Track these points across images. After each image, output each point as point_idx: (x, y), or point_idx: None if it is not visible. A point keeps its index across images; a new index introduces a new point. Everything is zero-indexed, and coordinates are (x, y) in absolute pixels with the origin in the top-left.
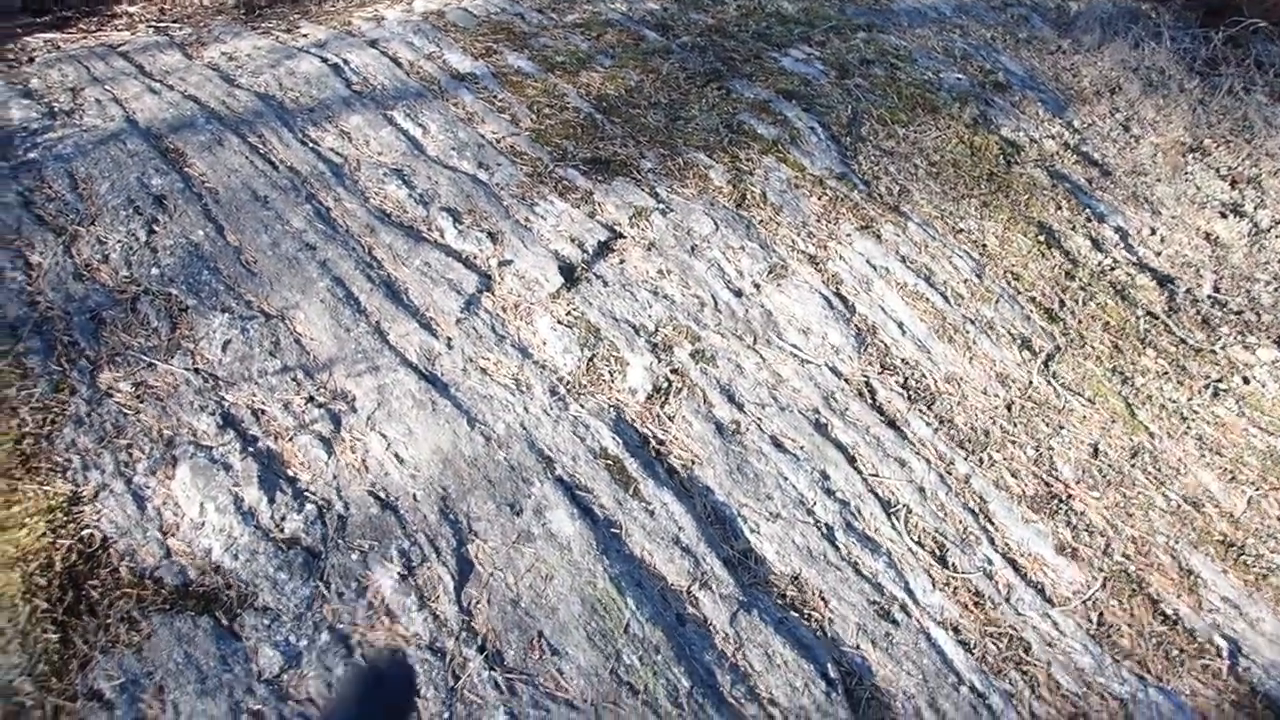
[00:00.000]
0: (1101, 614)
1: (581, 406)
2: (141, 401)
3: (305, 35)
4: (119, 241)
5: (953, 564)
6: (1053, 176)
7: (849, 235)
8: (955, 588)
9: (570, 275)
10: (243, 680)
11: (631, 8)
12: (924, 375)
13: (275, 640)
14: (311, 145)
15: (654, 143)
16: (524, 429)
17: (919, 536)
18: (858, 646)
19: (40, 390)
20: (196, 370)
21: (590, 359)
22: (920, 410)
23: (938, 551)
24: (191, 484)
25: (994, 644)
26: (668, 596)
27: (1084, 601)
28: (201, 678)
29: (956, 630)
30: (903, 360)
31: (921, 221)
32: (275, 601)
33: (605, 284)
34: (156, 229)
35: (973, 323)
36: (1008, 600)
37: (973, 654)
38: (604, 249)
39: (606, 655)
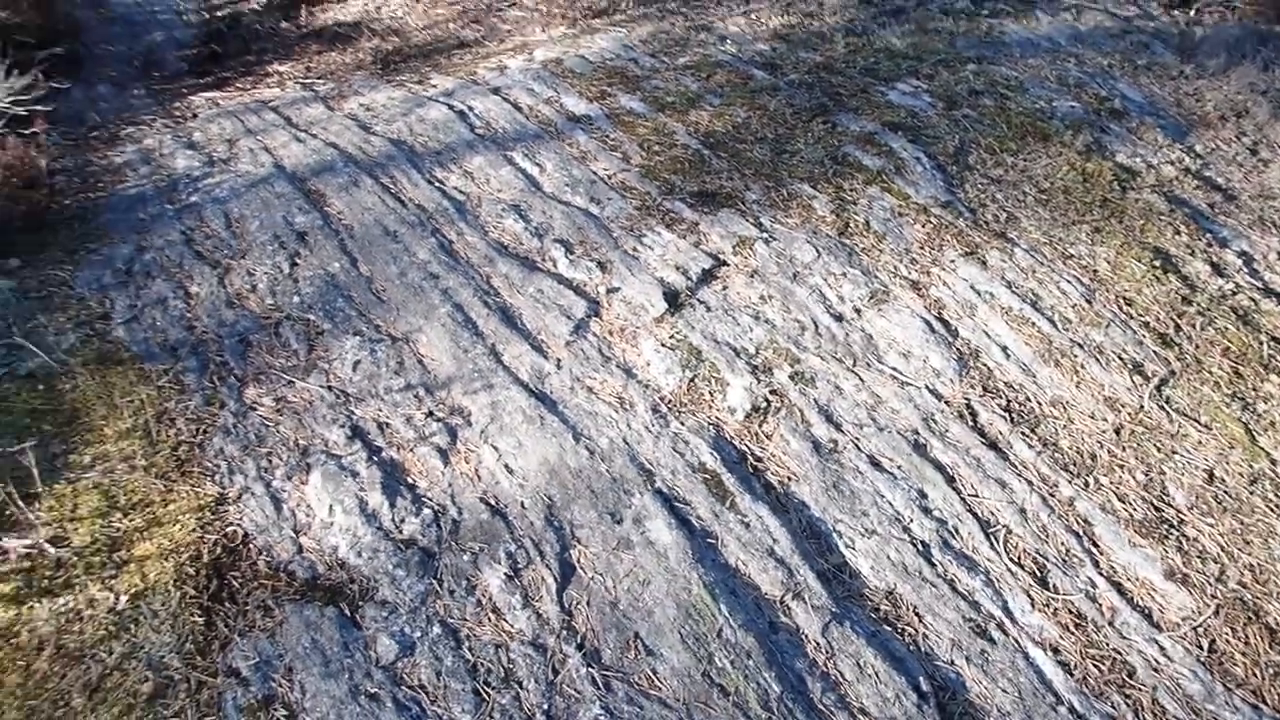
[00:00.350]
0: (1213, 641)
1: (682, 424)
2: (281, 415)
3: (435, 85)
4: (265, 273)
5: (1054, 585)
6: (1171, 202)
7: (953, 261)
8: (1055, 609)
9: (674, 301)
10: (362, 665)
11: (741, 49)
12: (1028, 399)
13: (392, 631)
14: (437, 184)
15: (759, 176)
16: (626, 444)
17: (1018, 557)
18: (952, 662)
19: (195, 404)
20: (329, 387)
21: (691, 379)
22: (1023, 433)
23: (1038, 572)
24: (322, 488)
25: (1096, 666)
26: (761, 605)
27: (1194, 628)
28: (325, 661)
29: (1056, 651)
30: (1006, 384)
31: (1029, 248)
32: (393, 596)
33: (708, 309)
34: (298, 261)
35: (1081, 347)
36: (1111, 624)
37: (1073, 675)
38: (708, 276)
39: (699, 657)
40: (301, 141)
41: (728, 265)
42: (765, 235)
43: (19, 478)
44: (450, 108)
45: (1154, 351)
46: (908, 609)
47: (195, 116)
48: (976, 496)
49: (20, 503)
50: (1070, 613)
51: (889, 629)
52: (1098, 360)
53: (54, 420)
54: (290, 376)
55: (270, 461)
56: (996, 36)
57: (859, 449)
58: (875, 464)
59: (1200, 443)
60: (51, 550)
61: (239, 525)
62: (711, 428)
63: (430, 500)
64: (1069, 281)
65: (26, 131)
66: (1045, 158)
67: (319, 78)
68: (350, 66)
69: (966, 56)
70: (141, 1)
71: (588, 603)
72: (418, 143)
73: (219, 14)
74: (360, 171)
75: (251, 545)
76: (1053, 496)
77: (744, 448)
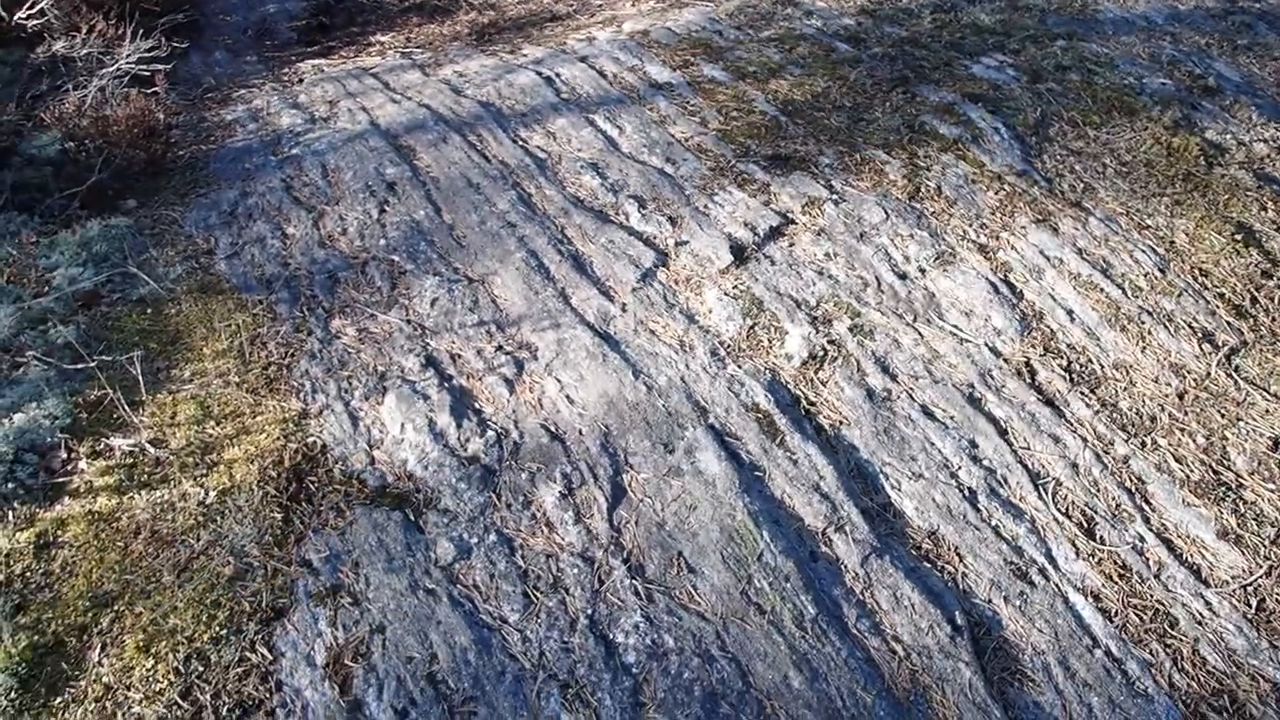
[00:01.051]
0: (1262, 600)
1: (739, 367)
2: (362, 343)
3: (525, 55)
4: (356, 218)
5: (1100, 537)
6: (1260, 179)
7: (1024, 228)
8: (1100, 559)
9: (740, 255)
10: (422, 564)
11: (826, 23)
12: (1090, 360)
13: (451, 536)
14: (520, 143)
15: (834, 142)
16: (683, 382)
17: (1066, 508)
18: (990, 601)
19: (285, 330)
20: (408, 321)
21: (751, 327)
22: (1082, 393)
23: (1085, 524)
24: (396, 408)
25: (1137, 615)
26: (802, 535)
27: (1244, 586)
28: (389, 559)
29: (1097, 598)
30: (1068, 345)
31: (1104, 217)
32: (454, 505)
33: (773, 263)
34: (386, 209)
35: (1150, 314)
36: (1157, 576)
37: (1112, 621)
38: (775, 233)
39: (739, 578)
40: (396, 103)
41: (795, 224)
42: (835, 197)
43: (127, 386)
44: (538, 74)
45: (1226, 322)
46: (949, 549)
47: (301, 81)
48: (1028, 449)
49: (127, 408)
50: (1115, 564)
51: (928, 565)
52: (1166, 327)
53: (159, 340)
54: (373, 310)
55: (350, 383)
56: (1090, 14)
57: (912, 399)
58: (928, 413)
59: (1268, 411)
60: (151, 450)
61: (318, 437)
62: (767, 372)
63: (494, 424)
64: (1143, 251)
65: (149, 90)
66: (1129, 132)
67: (417, 48)
68: (447, 38)
69: (1056, 33)
70: None
71: (635, 522)
72: (505, 105)
73: None
74: (449, 130)
75: (329, 455)
76: (1107, 454)
77: (798, 392)
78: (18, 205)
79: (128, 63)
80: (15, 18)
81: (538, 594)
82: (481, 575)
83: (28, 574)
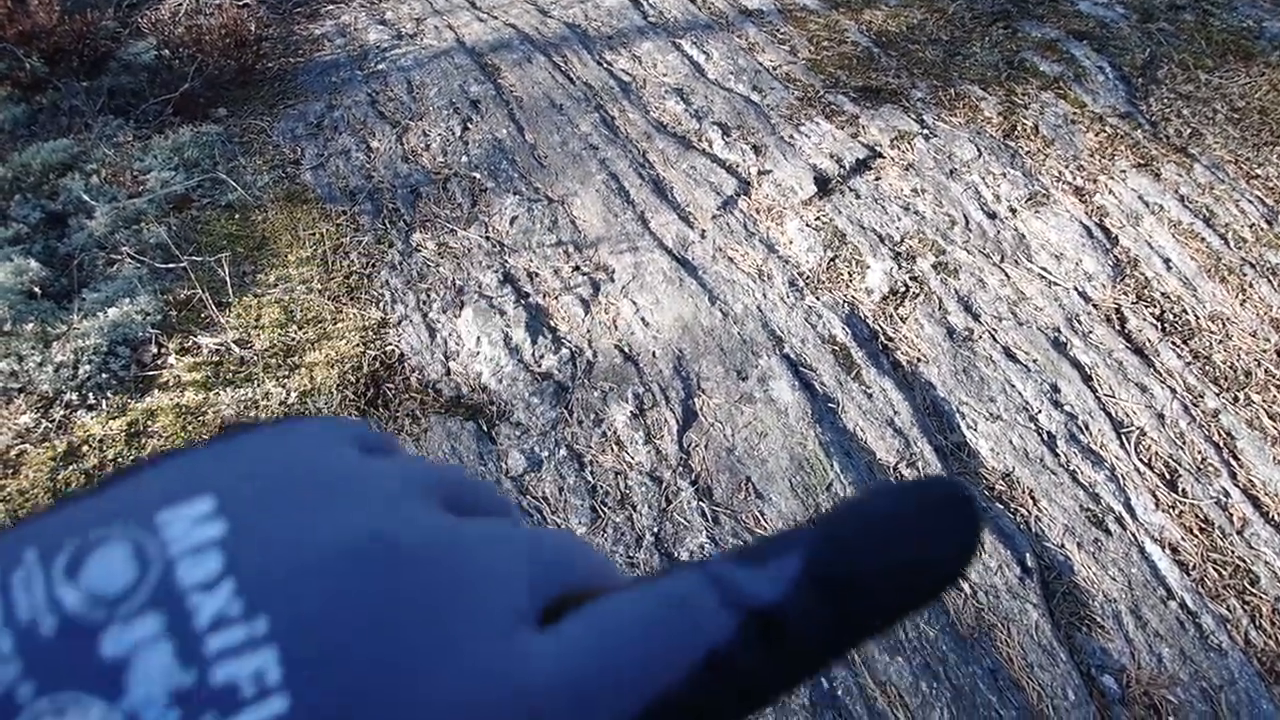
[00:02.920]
0: None
1: (817, 299)
2: (442, 258)
3: None
4: (439, 135)
5: (1183, 489)
6: None
7: (1123, 171)
8: (1181, 511)
9: (824, 186)
10: (493, 474)
11: None
12: (1184, 311)
13: (523, 448)
14: (605, 66)
15: (928, 75)
16: (760, 311)
17: (1149, 459)
18: (1062, 545)
19: (367, 241)
20: (487, 238)
21: (832, 259)
22: (1174, 343)
23: (1167, 475)
24: (473, 322)
25: (1216, 570)
26: (873, 468)
27: None
28: (462, 465)
29: (1175, 551)
30: (1162, 294)
31: (1210, 164)
32: (527, 419)
33: (857, 196)
34: (470, 126)
35: (1253, 266)
36: (1240, 533)
37: (1189, 575)
38: (861, 166)
39: (806, 506)
40: (483, 21)
41: (883, 158)
42: (926, 131)
43: (214, 288)
44: None
45: None
46: (1023, 491)
47: None
48: (1113, 397)
49: (214, 308)
50: (1196, 517)
51: (1000, 506)
52: (1270, 281)
53: (246, 245)
54: (453, 225)
55: (428, 296)
56: None
57: (994, 339)
58: (1010, 355)
59: None
60: (236, 349)
61: (396, 346)
62: (846, 305)
63: (569, 342)
64: (1250, 201)
65: (240, 1)
66: (1244, 76)
67: None
68: None
69: None
70: None
71: (705, 446)
72: (591, 27)
73: None
74: (534, 49)
75: (406, 364)
76: (1196, 406)
77: (876, 326)
78: (114, 109)
79: None
80: None
81: (605, 509)
82: (551, 488)
83: (119, 459)
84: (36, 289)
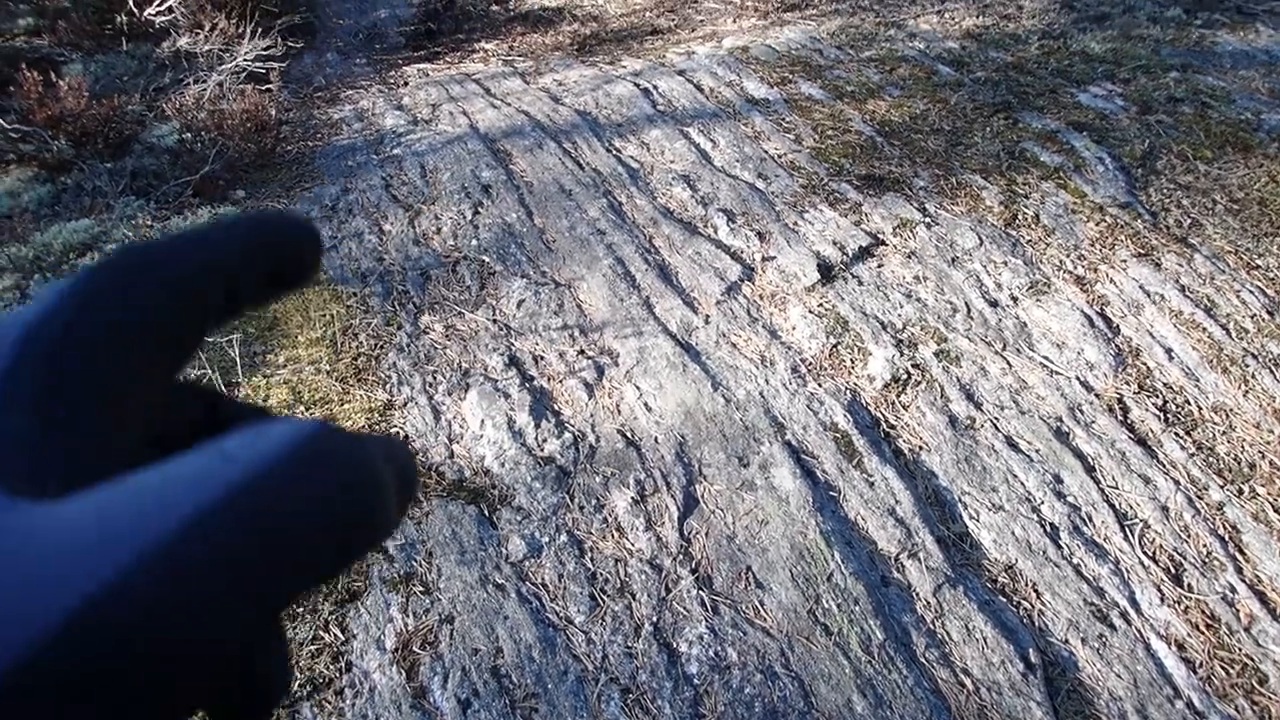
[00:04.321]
0: None
1: (819, 385)
2: (449, 340)
3: (624, 66)
4: (450, 218)
5: (1188, 584)
6: None
7: (1124, 261)
8: (1187, 607)
9: (828, 273)
10: (493, 559)
11: (929, 46)
12: (1187, 401)
13: (523, 534)
14: (614, 152)
15: (930, 164)
16: (762, 397)
17: (1153, 552)
18: (1066, 641)
19: (376, 323)
20: (494, 320)
21: (834, 345)
22: (1177, 434)
23: (1172, 569)
24: (477, 405)
25: (1224, 668)
26: (874, 559)
27: None
28: (462, 551)
29: (1181, 647)
30: (1165, 384)
31: (1211, 255)
32: (528, 504)
33: (860, 283)
34: (480, 210)
35: (1255, 357)
36: (1248, 630)
37: (1196, 673)
38: (864, 253)
39: (807, 596)
40: (496, 108)
41: (886, 245)
42: (928, 220)
43: (225, 368)
44: (636, 85)
45: None
46: (1026, 584)
47: (406, 84)
48: (1116, 489)
49: (223, 388)
50: (1203, 613)
51: (1003, 600)
52: (1272, 372)
53: (257, 325)
54: (461, 308)
55: (434, 378)
56: (1207, 46)
57: (996, 428)
58: (1012, 444)
59: None
60: None
61: (401, 428)
62: (848, 392)
63: (572, 426)
64: (1251, 292)
65: (263, 86)
66: (1243, 168)
67: (519, 56)
68: (549, 47)
69: (1170, 64)
70: None
71: (706, 533)
72: (601, 115)
73: None
74: (545, 136)
75: (410, 446)
76: (1200, 499)
77: (878, 414)
78: (136, 190)
79: (245, 60)
80: (145, 14)
81: (604, 597)
82: (550, 574)
83: None
84: None
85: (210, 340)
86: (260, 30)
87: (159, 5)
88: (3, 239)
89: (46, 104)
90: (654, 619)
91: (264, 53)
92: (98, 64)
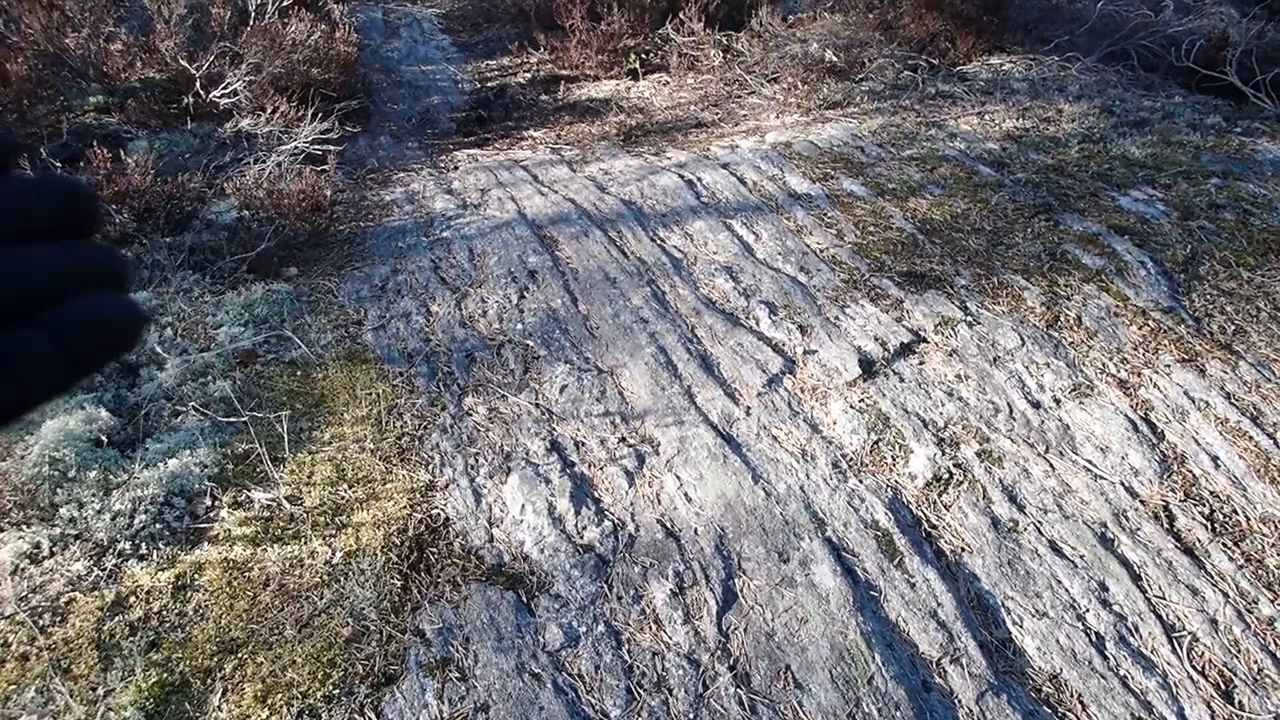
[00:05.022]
0: None
1: (860, 481)
2: (492, 422)
3: (669, 158)
4: (496, 302)
5: (1239, 702)
6: None
7: (1168, 366)
8: None
9: (869, 368)
10: (530, 647)
11: (970, 146)
12: (1235, 511)
13: (561, 622)
14: (659, 241)
15: (971, 263)
16: (803, 491)
17: (1202, 666)
18: None
19: (420, 403)
20: (537, 405)
21: (875, 442)
22: (1224, 544)
23: (1223, 685)
24: (518, 489)
25: None
26: (916, 662)
27: None
28: (499, 638)
29: None
30: (1211, 493)
31: (1256, 362)
32: (566, 592)
33: (901, 380)
34: (526, 295)
35: None
36: None
37: None
38: (905, 350)
39: (847, 700)
40: (544, 195)
41: (927, 342)
42: (969, 319)
43: (272, 443)
44: (680, 176)
45: None
46: (1071, 695)
47: (456, 168)
48: (1163, 599)
49: (269, 463)
50: None
51: (1048, 710)
52: None
53: (305, 401)
54: (504, 391)
55: (477, 460)
56: (1248, 154)
57: (1040, 532)
58: (1056, 549)
59: None
60: (287, 506)
61: (442, 510)
62: (889, 490)
63: (612, 514)
64: None
65: (319, 168)
66: None
67: (567, 144)
68: (596, 137)
69: (1210, 170)
70: (426, 70)
71: (745, 629)
72: (646, 204)
73: (489, 85)
74: (591, 224)
75: (450, 528)
76: (1250, 613)
77: (920, 513)
78: (193, 265)
79: (304, 142)
80: (211, 95)
81: (641, 690)
82: (587, 665)
83: (164, 612)
84: (103, 437)
85: (259, 415)
86: (319, 114)
87: (224, 88)
88: None
89: (114, 180)
90: (691, 716)
91: (321, 135)
92: (162, 141)
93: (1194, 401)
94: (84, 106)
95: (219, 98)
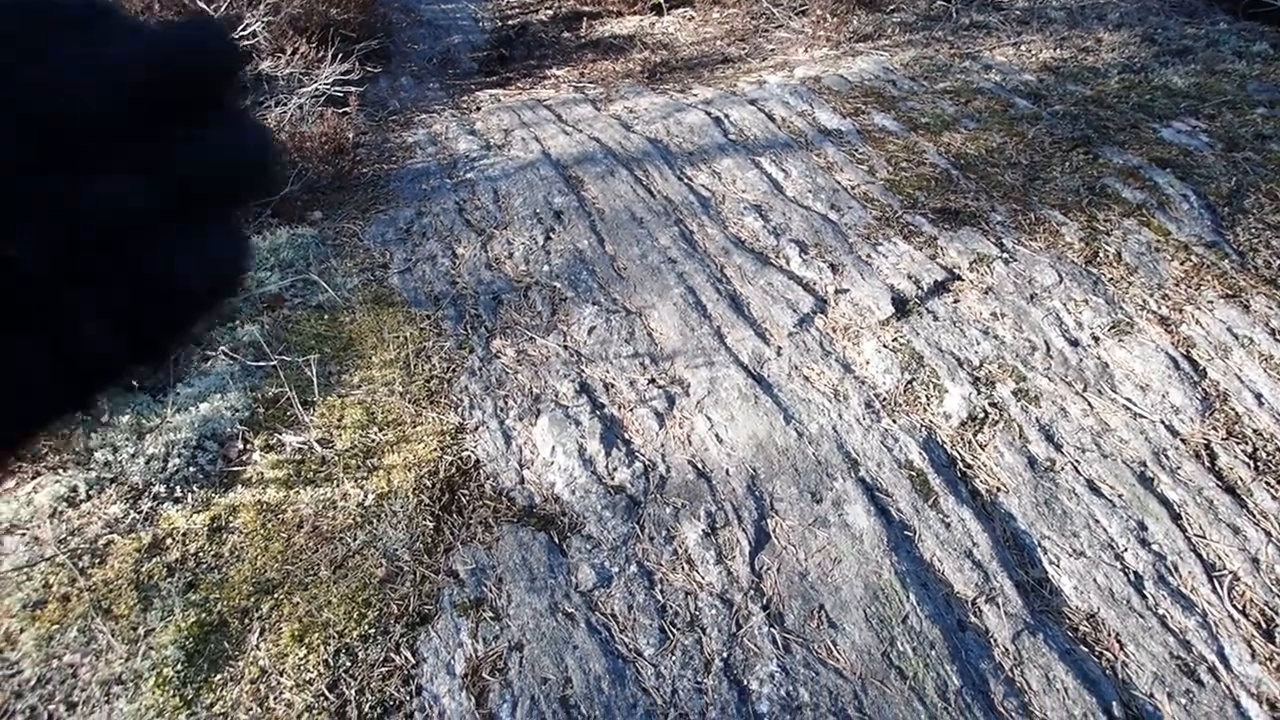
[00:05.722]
0: None
1: (894, 421)
2: (520, 365)
3: (695, 95)
4: (522, 243)
5: None
6: None
7: (1210, 302)
8: (1279, 665)
9: (902, 307)
10: (562, 587)
11: (1005, 78)
12: (1278, 449)
13: (593, 563)
14: (686, 180)
15: (1007, 199)
16: (835, 432)
17: (1243, 605)
18: (1151, 695)
19: (448, 346)
20: (565, 347)
21: (909, 382)
22: (1267, 483)
23: (1263, 625)
24: (548, 431)
25: None
26: (951, 602)
27: None
28: (531, 578)
29: (1273, 707)
30: (1254, 431)
31: None
32: (598, 533)
33: (935, 318)
34: (552, 236)
35: None
36: None
37: None
38: (939, 288)
39: (881, 639)
40: (568, 135)
41: (962, 280)
42: (1005, 255)
43: (301, 386)
44: (707, 114)
45: None
46: (1109, 634)
47: (479, 109)
48: (1203, 538)
49: (300, 407)
50: None
51: (1085, 650)
52: None
53: (333, 345)
54: (532, 333)
55: (506, 403)
56: None
57: (1078, 471)
58: (1094, 489)
59: None
60: (319, 449)
61: (473, 452)
62: (924, 429)
63: (642, 455)
64: None
65: (341, 110)
66: None
67: (591, 83)
68: (620, 74)
69: (1257, 100)
70: (446, 9)
71: (778, 569)
72: (673, 143)
73: (510, 23)
74: (617, 163)
75: (481, 470)
76: None
77: (955, 453)
78: None
79: (325, 84)
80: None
81: (674, 630)
82: (620, 605)
83: (200, 554)
84: (135, 382)
85: (287, 359)
86: (340, 55)
87: (243, 29)
88: None
89: None
90: (724, 655)
91: (342, 77)
92: None
93: (1237, 338)
94: None
95: (237, 39)
